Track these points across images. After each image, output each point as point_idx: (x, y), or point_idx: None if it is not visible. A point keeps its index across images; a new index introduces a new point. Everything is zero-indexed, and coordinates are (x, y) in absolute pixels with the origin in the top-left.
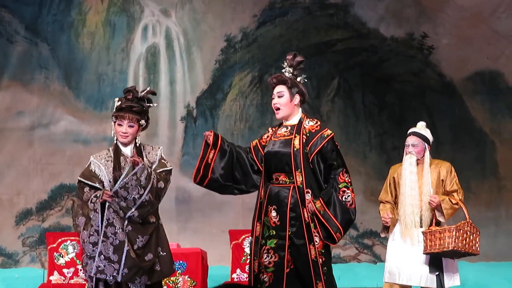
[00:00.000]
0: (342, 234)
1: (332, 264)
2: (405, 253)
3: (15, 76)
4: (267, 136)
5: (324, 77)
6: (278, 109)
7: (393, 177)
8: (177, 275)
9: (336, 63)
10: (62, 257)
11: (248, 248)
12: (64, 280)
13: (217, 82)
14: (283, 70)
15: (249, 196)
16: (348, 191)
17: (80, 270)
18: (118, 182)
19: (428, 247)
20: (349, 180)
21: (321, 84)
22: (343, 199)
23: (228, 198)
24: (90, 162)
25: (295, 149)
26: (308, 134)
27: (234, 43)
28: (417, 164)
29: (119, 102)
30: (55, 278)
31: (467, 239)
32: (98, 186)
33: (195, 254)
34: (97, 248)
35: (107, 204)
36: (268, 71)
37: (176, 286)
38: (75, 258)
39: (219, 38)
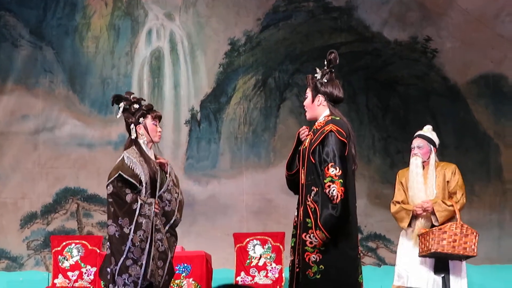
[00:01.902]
0: (323, 231)
1: None
2: (414, 256)
3: (20, 80)
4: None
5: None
6: (305, 109)
7: (401, 182)
8: (182, 278)
9: (340, 66)
10: (66, 260)
11: (252, 251)
12: (68, 283)
13: (221, 86)
14: (318, 69)
15: (253, 199)
16: (334, 185)
17: (85, 273)
18: (165, 186)
19: (421, 250)
20: (336, 174)
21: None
22: (329, 194)
23: (233, 201)
24: (124, 159)
25: (304, 147)
26: (314, 131)
27: (238, 47)
28: (423, 166)
29: (137, 105)
30: (60, 281)
31: (458, 241)
32: (139, 187)
33: (200, 257)
34: (144, 254)
35: (153, 210)
36: (272, 75)
37: None
38: (79, 261)
39: (223, 41)
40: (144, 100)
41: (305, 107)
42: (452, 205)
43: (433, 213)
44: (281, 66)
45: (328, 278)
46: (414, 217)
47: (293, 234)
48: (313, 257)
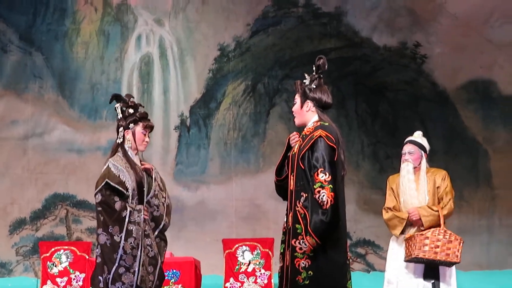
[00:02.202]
0: (314, 237)
1: None
2: (403, 261)
3: (9, 85)
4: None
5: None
6: (294, 115)
7: (392, 188)
8: (171, 284)
9: (329, 72)
10: (55, 266)
11: (241, 257)
12: None
13: (211, 91)
14: (307, 75)
15: (242, 205)
16: (324, 191)
17: (73, 279)
18: (152, 191)
19: (405, 255)
20: (326, 179)
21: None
22: (318, 199)
23: (222, 207)
24: (110, 166)
25: (293, 153)
26: (303, 137)
27: (227, 52)
28: (414, 172)
29: (132, 110)
30: (49, 287)
31: (440, 247)
32: (126, 193)
33: (189, 263)
34: (136, 261)
35: (142, 216)
36: (261, 80)
37: None
38: (68, 267)
39: (212, 47)
40: (143, 107)
41: (293, 113)
42: (438, 210)
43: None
44: (270, 71)
45: (317, 284)
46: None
47: (282, 240)
48: (303, 263)
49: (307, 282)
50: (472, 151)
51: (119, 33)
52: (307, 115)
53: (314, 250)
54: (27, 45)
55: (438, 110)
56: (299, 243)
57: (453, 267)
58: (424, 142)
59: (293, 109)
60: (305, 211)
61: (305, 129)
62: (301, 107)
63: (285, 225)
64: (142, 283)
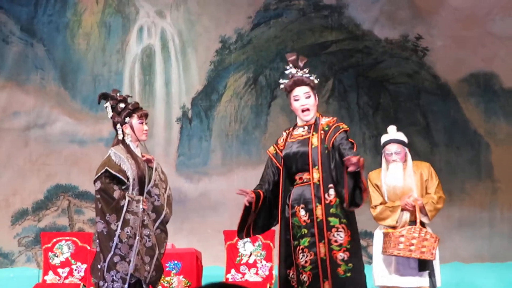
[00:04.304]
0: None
1: None
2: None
3: (11, 77)
4: (283, 140)
5: (318, 78)
6: (307, 110)
7: (376, 184)
8: (172, 275)
9: (331, 64)
10: (57, 257)
11: (243, 248)
12: (59, 280)
13: (212, 83)
14: (290, 72)
15: (244, 197)
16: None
17: (75, 270)
18: (152, 181)
19: (382, 249)
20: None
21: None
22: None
23: (223, 199)
24: (111, 155)
25: (313, 146)
26: (326, 129)
27: (228, 45)
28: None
29: (123, 104)
30: (50, 278)
31: (415, 245)
32: (127, 182)
33: (190, 255)
34: (132, 250)
35: (141, 206)
36: (262, 72)
37: (170, 286)
38: (70, 258)
39: (214, 39)
40: (131, 97)
41: (308, 107)
42: (438, 203)
43: (421, 210)
44: (272, 64)
45: (358, 277)
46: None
47: (302, 234)
48: (340, 255)
49: (349, 274)
50: (473, 144)
51: (121, 24)
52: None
53: (350, 243)
54: (28, 36)
55: (440, 102)
56: (334, 235)
57: (437, 261)
58: (403, 137)
59: (309, 102)
60: (338, 197)
61: (323, 120)
62: (315, 100)
63: (304, 218)
64: (136, 272)
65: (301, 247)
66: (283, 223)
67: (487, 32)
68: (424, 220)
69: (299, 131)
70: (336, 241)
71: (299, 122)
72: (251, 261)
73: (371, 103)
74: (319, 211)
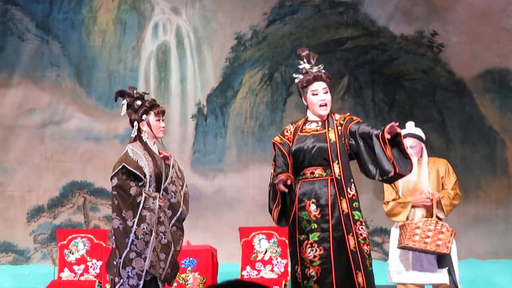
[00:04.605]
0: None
1: None
2: (410, 252)
3: (27, 74)
4: (290, 132)
5: (334, 75)
6: (325, 105)
7: None
8: (187, 272)
9: (346, 61)
10: (72, 254)
11: (258, 245)
12: (74, 277)
13: (228, 80)
14: (303, 67)
15: (259, 193)
16: None
17: (91, 267)
18: (169, 178)
19: (398, 242)
20: None
21: (331, 82)
22: None
23: (239, 195)
24: (128, 151)
25: (331, 141)
26: (342, 122)
27: (244, 41)
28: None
29: (140, 101)
30: (66, 275)
31: (431, 237)
32: (144, 179)
33: (205, 251)
34: (148, 246)
35: (158, 203)
36: (278, 69)
37: (186, 283)
38: (85, 255)
39: (229, 36)
40: (148, 94)
41: (326, 102)
42: (454, 198)
43: (437, 205)
44: (287, 60)
45: (372, 272)
46: (413, 208)
47: (312, 229)
48: (365, 249)
49: (370, 268)
50: (489, 140)
51: (136, 21)
52: None
53: (369, 238)
54: (44, 33)
55: (455, 99)
56: (359, 229)
57: (455, 257)
58: (421, 132)
59: (327, 98)
60: (378, 172)
61: (337, 117)
62: (331, 97)
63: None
64: (152, 269)
65: (310, 241)
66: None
67: (502, 28)
68: (440, 215)
69: (312, 126)
70: (361, 235)
71: (311, 117)
72: (266, 258)
73: (386, 99)
74: (344, 205)
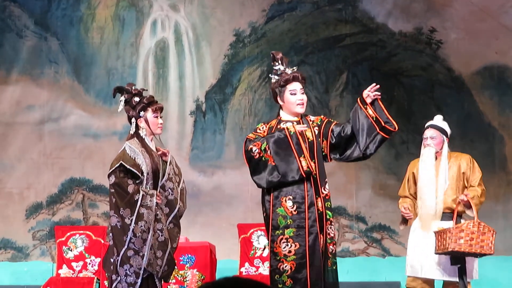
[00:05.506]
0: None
1: (341, 258)
2: (426, 246)
3: (25, 71)
4: (263, 131)
5: (332, 71)
6: (303, 104)
7: (413, 172)
8: (186, 268)
9: (345, 57)
10: (71, 250)
11: (257, 241)
12: (73, 274)
13: (226, 77)
14: (279, 68)
15: (258, 190)
16: None
17: (89, 263)
18: (166, 175)
19: (437, 247)
20: None
21: (330, 78)
22: None
23: (237, 192)
24: (126, 149)
25: (309, 140)
26: (319, 123)
27: (243, 38)
28: (436, 157)
29: (137, 98)
30: (64, 271)
31: (475, 239)
32: (141, 177)
33: (204, 248)
34: (146, 244)
35: (155, 200)
36: None
37: (184, 280)
38: (84, 252)
39: (228, 32)
40: (146, 90)
41: (303, 102)
42: (481, 196)
43: (467, 205)
44: (286, 57)
45: (336, 271)
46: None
47: (288, 224)
48: (331, 248)
49: (334, 267)
50: (488, 137)
51: (134, 18)
52: None
53: (336, 237)
54: (42, 30)
55: (454, 95)
56: (328, 228)
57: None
58: (446, 126)
59: (304, 99)
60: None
61: (312, 118)
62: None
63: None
64: (149, 267)
65: (285, 236)
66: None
67: (501, 25)
68: (469, 213)
69: (287, 125)
70: (329, 234)
71: (285, 117)
72: (265, 254)
73: (385, 96)
74: (319, 203)
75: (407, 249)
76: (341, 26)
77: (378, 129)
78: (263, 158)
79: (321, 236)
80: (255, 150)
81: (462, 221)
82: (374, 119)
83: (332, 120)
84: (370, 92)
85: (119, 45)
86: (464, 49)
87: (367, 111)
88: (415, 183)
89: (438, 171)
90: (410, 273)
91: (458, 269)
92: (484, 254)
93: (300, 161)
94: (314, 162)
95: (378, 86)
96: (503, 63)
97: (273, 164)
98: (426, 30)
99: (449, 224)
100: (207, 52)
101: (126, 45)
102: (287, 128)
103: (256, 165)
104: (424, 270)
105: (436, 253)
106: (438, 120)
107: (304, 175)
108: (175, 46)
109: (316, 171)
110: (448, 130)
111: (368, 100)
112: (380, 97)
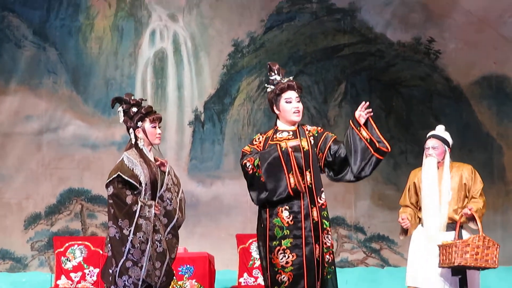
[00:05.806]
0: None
1: (340, 268)
2: (427, 256)
3: (24, 81)
4: (259, 141)
5: (331, 81)
6: (298, 112)
7: (414, 182)
8: (184, 279)
9: (343, 67)
10: (69, 261)
11: (255, 252)
12: (71, 285)
13: (225, 87)
14: (275, 78)
15: None
16: None
17: (88, 274)
18: (164, 185)
19: (441, 261)
20: None
21: (328, 88)
22: None
23: (236, 202)
24: (124, 159)
25: (304, 149)
26: (315, 134)
27: (241, 48)
28: (437, 167)
29: (135, 108)
30: (63, 282)
31: (480, 253)
32: (139, 187)
33: (202, 259)
34: (144, 255)
35: (153, 211)
36: None
37: None
38: (82, 262)
39: (227, 43)
40: (145, 100)
41: (299, 109)
42: (483, 208)
43: (470, 218)
44: (284, 67)
45: (335, 279)
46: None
47: (285, 235)
48: (327, 258)
49: (329, 276)
50: (486, 147)
51: (133, 28)
52: None
53: (333, 247)
54: (41, 40)
55: (452, 105)
56: (325, 238)
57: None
58: (448, 136)
59: (300, 107)
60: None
61: (309, 127)
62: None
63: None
64: (148, 277)
65: (282, 247)
66: (258, 224)
67: (499, 35)
68: (472, 225)
69: (283, 135)
70: (326, 244)
71: (282, 127)
72: None
73: (383, 106)
74: (315, 213)
75: (408, 259)
76: (340, 36)
77: (372, 151)
78: (256, 174)
79: (317, 246)
80: (249, 166)
81: (464, 232)
82: (368, 140)
83: (330, 134)
84: (362, 112)
85: (117, 55)
86: (463, 59)
87: (361, 133)
88: (416, 192)
89: (441, 181)
90: (411, 283)
91: (459, 280)
92: (488, 268)
93: (288, 177)
94: (310, 172)
95: (368, 103)
96: (502, 73)
97: (263, 180)
98: (424, 40)
99: (452, 234)
100: (205, 62)
101: (125, 55)
102: (279, 145)
103: (251, 180)
104: (425, 280)
105: (439, 267)
106: (440, 130)
107: (292, 193)
108: (173, 56)
109: (311, 181)
110: (450, 140)
111: (362, 121)
112: (372, 114)
